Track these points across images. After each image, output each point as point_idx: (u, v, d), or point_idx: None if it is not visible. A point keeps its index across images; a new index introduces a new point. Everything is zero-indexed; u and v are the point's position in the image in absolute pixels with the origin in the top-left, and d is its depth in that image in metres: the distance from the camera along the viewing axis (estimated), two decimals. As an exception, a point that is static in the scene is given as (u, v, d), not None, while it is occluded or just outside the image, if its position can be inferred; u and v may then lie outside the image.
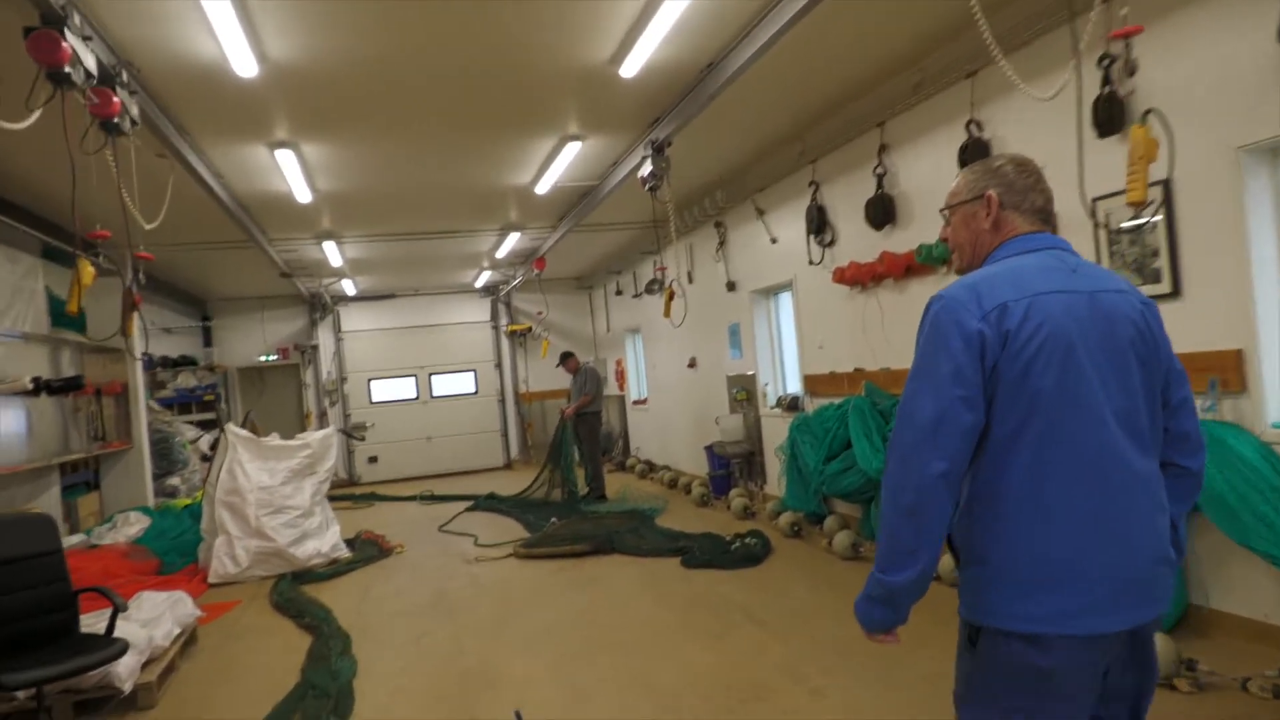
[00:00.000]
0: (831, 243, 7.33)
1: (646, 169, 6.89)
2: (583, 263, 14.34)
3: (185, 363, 14.00)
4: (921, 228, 6.13)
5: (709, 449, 9.92)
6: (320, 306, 14.95)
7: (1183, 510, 1.91)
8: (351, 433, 9.59)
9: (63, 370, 9.08)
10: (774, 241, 8.42)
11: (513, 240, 11.11)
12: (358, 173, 7.67)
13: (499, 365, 15.96)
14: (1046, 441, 1.70)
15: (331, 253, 10.76)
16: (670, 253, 9.42)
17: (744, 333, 9.38)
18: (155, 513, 8.26)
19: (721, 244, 9.58)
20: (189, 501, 9.07)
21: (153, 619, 5.23)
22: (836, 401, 7.13)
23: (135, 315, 5.55)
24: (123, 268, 6.88)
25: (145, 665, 4.81)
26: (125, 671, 4.50)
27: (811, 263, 7.50)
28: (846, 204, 7.05)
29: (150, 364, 13.55)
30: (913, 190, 6.28)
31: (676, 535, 7.77)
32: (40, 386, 7.37)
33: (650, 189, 6.99)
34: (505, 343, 15.96)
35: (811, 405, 7.76)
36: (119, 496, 9.45)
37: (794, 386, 8.77)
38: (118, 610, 4.18)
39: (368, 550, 8.21)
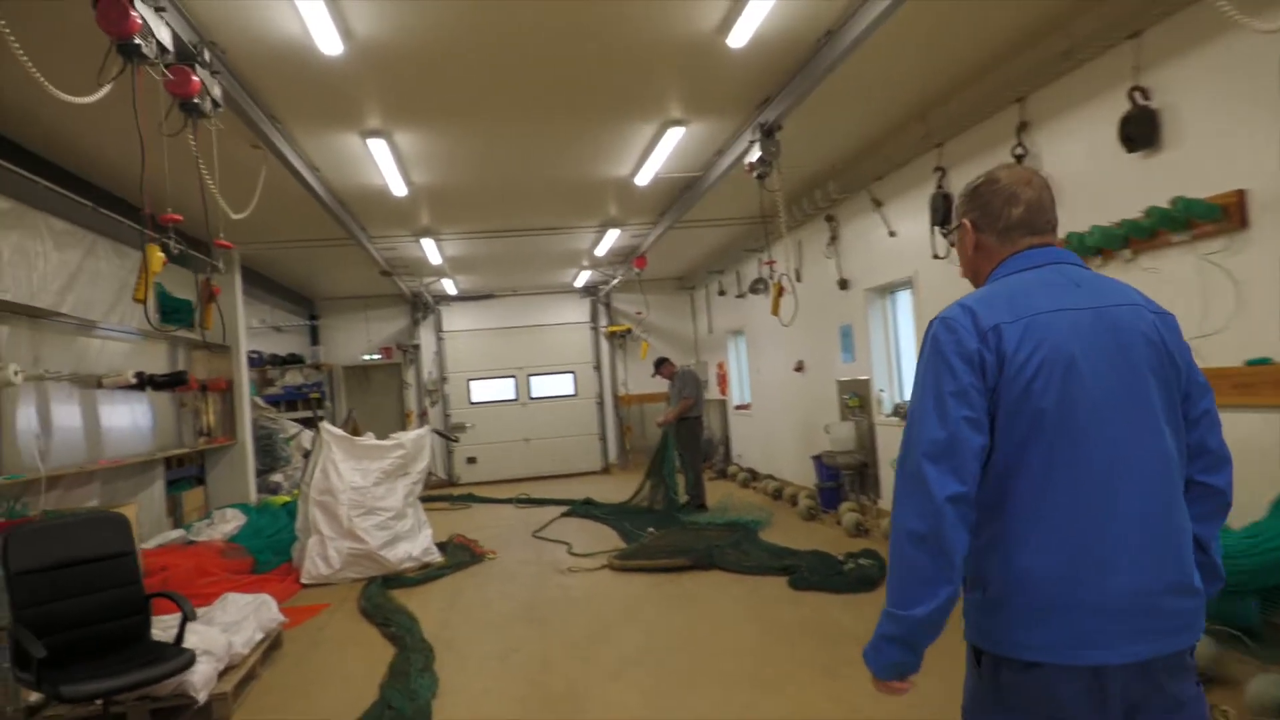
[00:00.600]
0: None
1: (754, 155, 6.37)
2: (684, 262, 13.88)
3: (293, 361, 14.25)
4: (1072, 213, 5.37)
5: (817, 459, 9.28)
6: (422, 306, 14.99)
7: (1212, 531, 1.80)
8: (446, 434, 9.40)
9: (174, 366, 9.20)
10: (892, 235, 7.75)
11: (612, 237, 10.75)
12: (452, 165, 7.43)
13: (598, 367, 15.67)
14: (1048, 466, 1.65)
15: (430, 251, 10.65)
16: (779, 248, 8.84)
17: (857, 334, 8.72)
18: (253, 510, 8.24)
19: (833, 239, 8.94)
20: (288, 499, 9.05)
21: (235, 623, 5.05)
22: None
23: (214, 306, 5.24)
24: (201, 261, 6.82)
25: (224, 673, 4.61)
26: (200, 681, 4.29)
27: (936, 257, 6.80)
28: (978, 191, 6.34)
29: (259, 361, 13.85)
30: (1059, 172, 5.52)
31: (782, 552, 7.19)
32: (144, 381, 7.40)
33: (758, 176, 6.46)
34: (604, 344, 15.65)
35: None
36: (223, 492, 9.55)
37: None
38: (186, 618, 3.93)
39: (459, 555, 7.96)
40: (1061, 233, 5.28)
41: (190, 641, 4.38)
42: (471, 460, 15.13)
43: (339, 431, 7.75)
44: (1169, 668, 1.65)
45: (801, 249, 10.05)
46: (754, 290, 11.57)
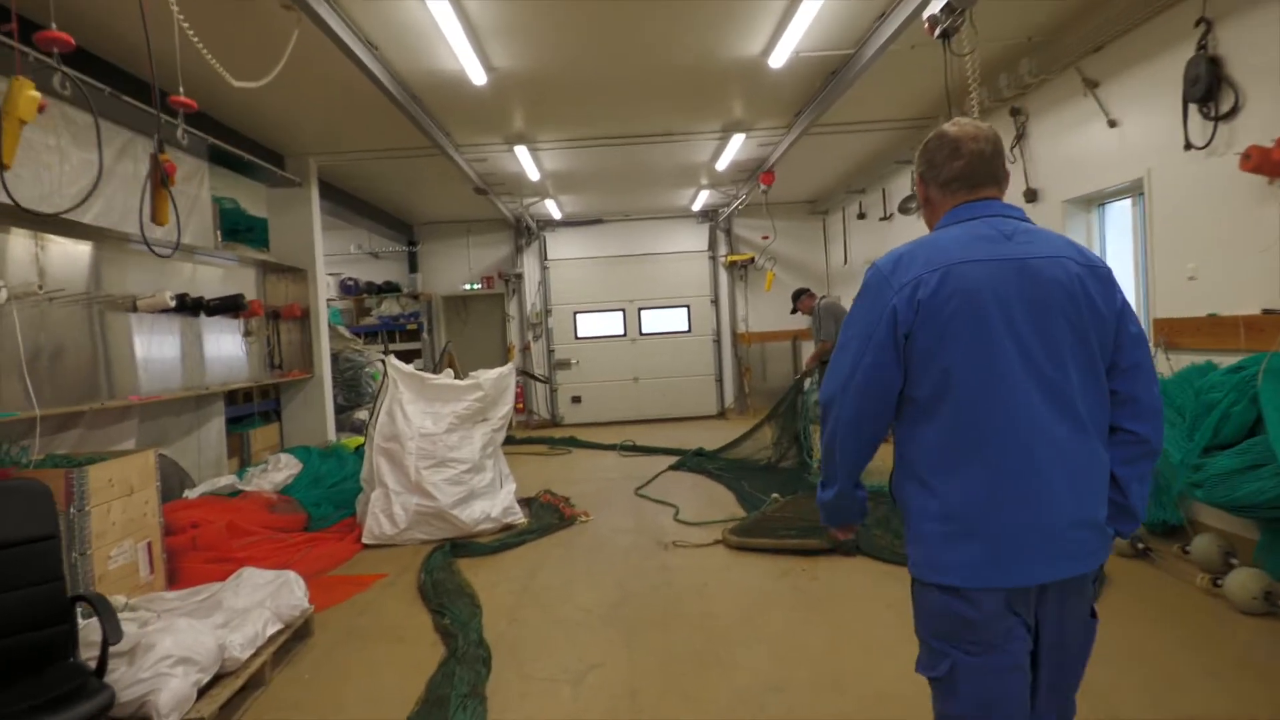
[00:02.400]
0: (1230, 113, 4.69)
1: (938, 4, 4.61)
2: (816, 181, 12.04)
3: (389, 289, 13.38)
4: None
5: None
6: (525, 231, 13.77)
7: (1135, 474, 1.90)
8: (534, 374, 8.14)
9: (260, 292, 8.29)
10: (1113, 125, 5.81)
11: (736, 146, 9.07)
12: (541, 43, 5.97)
13: (715, 301, 14.12)
14: (959, 406, 1.80)
15: (526, 162, 9.29)
16: (999, 120, 6.90)
17: (1047, 260, 6.84)
18: (317, 453, 7.26)
19: (1019, 138, 7.00)
20: (361, 441, 8.05)
21: (243, 612, 3.94)
22: (1228, 362, 4.60)
23: (166, 194, 3.97)
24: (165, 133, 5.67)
25: (214, 683, 3.50)
26: (170, 701, 3.18)
27: (1190, 147, 4.89)
28: (1267, 53, 4.40)
29: (354, 289, 13.04)
30: None
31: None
32: (189, 305, 6.41)
33: (941, 35, 4.71)
34: (724, 275, 14.06)
35: (1169, 365, 5.21)
36: (298, 430, 8.68)
37: (1126, 336, 6.19)
38: (108, 640, 2.76)
39: (545, 517, 6.73)
40: None
41: (162, 649, 3.27)
42: (576, 400, 13.99)
43: (407, 368, 6.58)
44: (1068, 591, 1.85)
45: (970, 156, 8.11)
46: (904, 210, 9.70)
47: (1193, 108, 4.85)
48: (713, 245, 14.09)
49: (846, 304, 11.35)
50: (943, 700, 1.93)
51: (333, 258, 13.63)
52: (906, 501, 1.94)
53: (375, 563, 5.89)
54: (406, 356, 12.65)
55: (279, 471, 6.50)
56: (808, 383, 8.36)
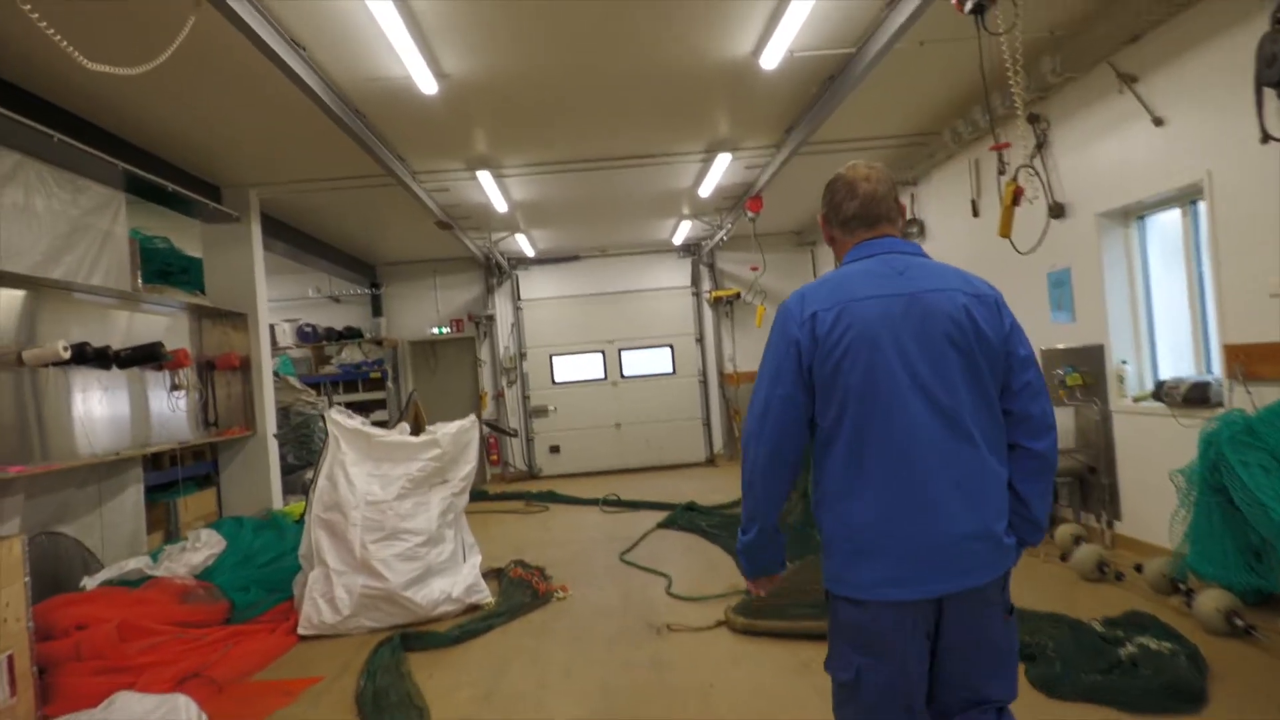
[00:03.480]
0: (1318, 98, 3.94)
1: (968, -26, 3.86)
2: (805, 208, 11.31)
3: (350, 335, 12.44)
4: None
5: (1012, 458, 6.70)
6: (496, 270, 12.93)
7: (1035, 488, 2.03)
8: (500, 427, 7.19)
9: (196, 339, 7.36)
10: (1159, 123, 5.06)
11: (721, 168, 8.30)
12: (497, 43, 5.17)
13: (700, 339, 13.28)
14: (856, 432, 1.94)
15: (492, 191, 8.46)
16: (1013, 128, 6.01)
17: (1079, 282, 6.06)
18: (250, 526, 6.24)
19: (1039, 147, 6.26)
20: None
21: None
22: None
23: None
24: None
25: None
26: None
27: (1270, 139, 4.12)
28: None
29: (313, 336, 12.10)
30: None
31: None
32: (92, 357, 5.47)
33: (974, 10, 3.95)
34: (708, 312, 13.25)
35: (1252, 400, 4.39)
36: (240, 495, 7.70)
37: (1184, 366, 5.38)
38: None
39: (516, 595, 5.76)
40: None
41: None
42: (554, 450, 13.03)
43: (351, 422, 5.64)
44: (969, 600, 1.94)
45: (979, 172, 7.39)
46: (905, 235, 8.92)
47: (1269, 92, 4.09)
48: (696, 281, 13.30)
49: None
50: (843, 701, 2.07)
51: (289, 302, 12.74)
52: (820, 522, 2.06)
53: (311, 660, 4.90)
54: (369, 408, 11.70)
55: (197, 551, 5.48)
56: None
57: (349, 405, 11.25)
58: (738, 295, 12.94)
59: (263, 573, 5.68)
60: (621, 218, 10.94)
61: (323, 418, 5.63)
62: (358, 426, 5.60)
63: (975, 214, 7.40)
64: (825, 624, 4.50)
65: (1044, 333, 6.47)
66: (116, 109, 5.76)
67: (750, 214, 9.40)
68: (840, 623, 2.04)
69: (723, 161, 8.10)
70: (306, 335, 12.28)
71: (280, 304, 12.72)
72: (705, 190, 9.26)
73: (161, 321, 7.20)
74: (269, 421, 7.88)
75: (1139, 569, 4.97)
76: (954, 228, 7.94)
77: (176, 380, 6.82)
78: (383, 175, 7.45)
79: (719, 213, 10.82)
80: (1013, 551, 2.01)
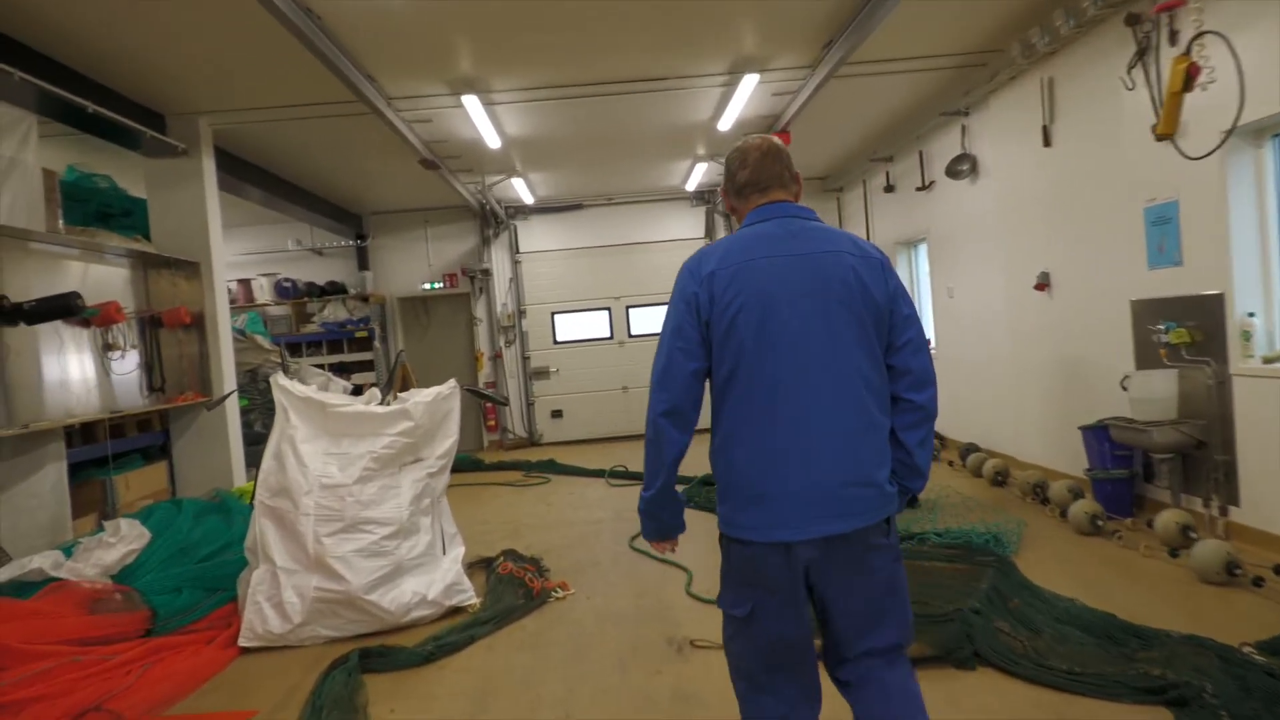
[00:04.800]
0: None
1: None
2: (834, 149, 10.17)
3: (334, 291, 11.42)
4: None
5: (1094, 431, 5.67)
6: (493, 220, 11.84)
7: (916, 437, 2.14)
8: (486, 394, 6.12)
9: (142, 291, 6.38)
10: (1323, 7, 3.95)
11: (746, 94, 7.17)
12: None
13: (715, 296, 12.20)
14: (749, 384, 2.05)
15: (481, 121, 7.35)
16: (1110, 31, 4.87)
17: (1190, 219, 4.97)
18: (191, 510, 5.25)
19: (1141, 54, 5.12)
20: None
21: None
22: None
23: None
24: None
25: None
26: None
27: None
28: None
29: (292, 292, 11.08)
30: None
31: (1113, 629, 3.70)
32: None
33: None
34: (723, 266, 12.16)
35: None
36: (196, 470, 6.78)
37: (1332, 319, 4.32)
38: None
39: (506, 596, 4.79)
40: None
41: None
42: (556, 414, 12.07)
43: (301, 389, 4.63)
44: (851, 541, 2.05)
45: (1053, 92, 6.26)
46: (954, 173, 7.84)
47: None
48: (710, 231, 12.20)
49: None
50: (733, 635, 2.22)
51: (267, 255, 11.71)
52: (715, 471, 2.16)
53: (251, 682, 3.96)
54: (353, 370, 10.72)
55: (111, 548, 4.48)
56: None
57: (332, 367, 10.29)
58: (756, 247, 11.84)
59: (202, 569, 4.72)
60: (629, 159, 9.82)
61: (266, 382, 4.62)
62: (310, 394, 4.59)
63: (1047, 143, 6.30)
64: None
65: (1137, 281, 5.40)
66: (36, 17, 4.71)
67: (776, 151, 8.27)
68: (731, 563, 2.17)
69: (748, 85, 6.96)
70: (286, 291, 11.26)
71: (258, 257, 11.71)
72: (725, 123, 8.13)
73: (119, 274, 6.22)
74: (228, 386, 6.88)
75: (1280, 572, 3.97)
76: (1017, 161, 6.83)
77: (110, 339, 5.81)
78: (353, 101, 6.39)
79: (738, 153, 9.68)
80: (894, 498, 2.13)
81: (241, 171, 8.26)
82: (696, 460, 2.57)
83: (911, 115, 8.46)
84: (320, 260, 11.96)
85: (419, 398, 4.75)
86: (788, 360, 2.02)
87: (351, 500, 4.44)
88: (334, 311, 11.31)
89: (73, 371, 5.50)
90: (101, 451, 5.78)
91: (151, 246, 6.59)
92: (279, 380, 4.60)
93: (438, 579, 4.64)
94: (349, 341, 11.29)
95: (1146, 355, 5.32)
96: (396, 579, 4.49)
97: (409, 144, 7.60)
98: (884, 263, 2.15)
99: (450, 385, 4.91)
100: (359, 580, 4.35)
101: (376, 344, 11.31)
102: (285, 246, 11.75)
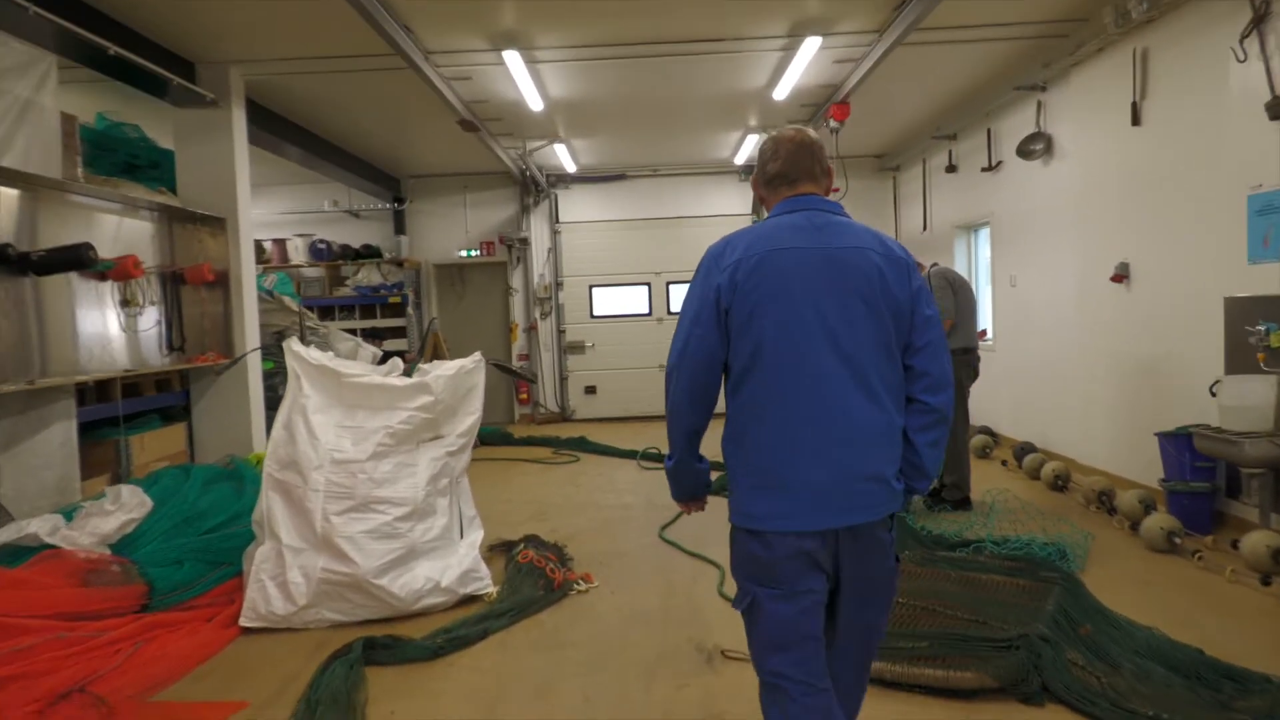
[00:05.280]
0: None
1: None
2: (892, 125, 9.63)
3: (368, 255, 11.17)
4: None
5: (1174, 439, 5.18)
6: (533, 188, 11.49)
7: (928, 439, 2.14)
8: (513, 369, 5.75)
9: (167, 246, 6.18)
10: None
11: (806, 57, 6.68)
12: None
13: (759, 275, 11.76)
14: (769, 374, 2.05)
15: (524, 81, 6.97)
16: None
17: (1303, 208, 4.44)
18: (200, 477, 5.00)
19: (1258, 21, 4.57)
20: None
21: None
22: None
23: None
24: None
25: None
26: None
27: None
28: None
29: (327, 254, 10.87)
30: None
31: (1199, 664, 3.27)
32: (13, 259, 4.23)
33: None
34: (770, 245, 11.69)
35: None
36: (214, 433, 6.58)
37: None
38: None
39: (525, 588, 4.47)
40: None
41: None
42: (590, 390, 11.75)
43: (316, 355, 4.33)
44: (859, 535, 2.08)
45: (1146, 65, 5.71)
46: (1025, 153, 7.29)
47: None
48: (757, 208, 11.70)
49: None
50: (750, 626, 2.19)
51: (303, 215, 11.52)
52: (727, 459, 2.15)
53: (248, 666, 3.70)
54: (385, 335, 10.48)
55: (108, 516, 4.24)
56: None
57: (364, 333, 10.07)
58: (805, 226, 11.33)
59: (206, 541, 4.46)
60: (677, 128, 9.38)
61: (279, 347, 4.33)
62: (325, 362, 4.28)
63: (1136, 121, 5.75)
64: (959, 676, 3.20)
65: (1233, 276, 4.87)
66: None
67: (834, 123, 7.81)
68: (740, 553, 2.16)
69: (809, 49, 6.49)
70: (320, 252, 11.03)
71: (294, 217, 11.52)
72: (781, 91, 7.66)
73: (143, 227, 6.01)
74: (251, 346, 6.64)
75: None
76: (1099, 141, 6.29)
77: (127, 294, 5.57)
78: (390, 55, 6.04)
79: (792, 124, 9.18)
80: (900, 496, 2.14)
81: (279, 128, 8.03)
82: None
83: (981, 90, 7.90)
84: (356, 223, 11.71)
85: (440, 371, 4.42)
86: (806, 353, 2.03)
87: (364, 478, 4.15)
88: (368, 275, 11.06)
89: (87, 326, 5.27)
90: (116, 411, 5.56)
91: (177, 200, 6.34)
92: (292, 345, 4.30)
93: (453, 564, 4.34)
94: (382, 307, 11.03)
95: (1240, 359, 4.80)
96: (409, 563, 4.20)
97: (448, 103, 7.26)
98: (910, 263, 2.15)
99: (475, 359, 4.58)
100: (369, 563, 4.06)
101: (410, 310, 11.04)
102: (322, 207, 11.52)
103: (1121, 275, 6.01)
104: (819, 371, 2.02)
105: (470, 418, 4.55)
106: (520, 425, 11.35)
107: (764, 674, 2.17)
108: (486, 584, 4.42)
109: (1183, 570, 4.52)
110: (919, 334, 2.11)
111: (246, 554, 4.33)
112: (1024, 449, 7.34)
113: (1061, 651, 3.30)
